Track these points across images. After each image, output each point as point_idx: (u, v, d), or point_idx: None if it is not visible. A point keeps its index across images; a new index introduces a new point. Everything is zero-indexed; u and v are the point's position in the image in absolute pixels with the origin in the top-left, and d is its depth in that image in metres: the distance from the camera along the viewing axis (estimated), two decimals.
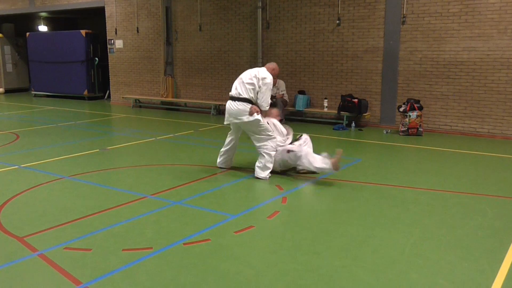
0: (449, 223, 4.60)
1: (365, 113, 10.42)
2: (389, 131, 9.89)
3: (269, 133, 6.13)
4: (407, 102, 9.50)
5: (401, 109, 9.50)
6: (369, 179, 6.17)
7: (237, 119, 6.12)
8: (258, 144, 6.16)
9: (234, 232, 4.32)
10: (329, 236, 4.25)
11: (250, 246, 4.03)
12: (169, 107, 14.19)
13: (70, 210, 4.92)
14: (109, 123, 11.78)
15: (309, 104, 11.29)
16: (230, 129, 6.51)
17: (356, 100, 10.34)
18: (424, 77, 9.87)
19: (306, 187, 5.83)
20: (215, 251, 3.93)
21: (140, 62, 14.84)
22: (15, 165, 6.86)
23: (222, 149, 6.61)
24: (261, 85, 6.01)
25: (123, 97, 15.27)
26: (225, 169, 6.61)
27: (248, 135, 6.32)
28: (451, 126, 9.71)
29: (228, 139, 6.54)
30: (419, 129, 9.37)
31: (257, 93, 6.03)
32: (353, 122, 10.34)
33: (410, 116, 9.34)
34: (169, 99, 13.98)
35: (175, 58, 13.98)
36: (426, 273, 3.54)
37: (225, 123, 6.38)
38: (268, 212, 4.87)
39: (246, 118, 6.02)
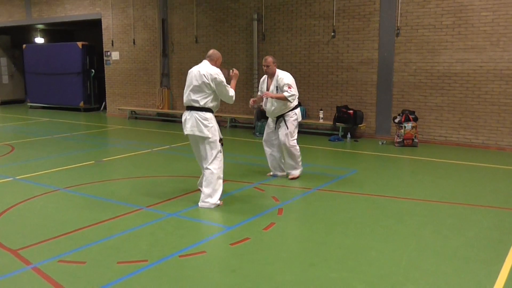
0: (445, 234, 4.60)
1: (361, 124, 10.46)
2: (384, 142, 9.92)
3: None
4: (402, 113, 9.55)
5: (396, 120, 9.54)
6: (365, 190, 6.17)
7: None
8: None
9: (230, 244, 4.31)
10: (325, 248, 4.24)
11: (246, 258, 4.02)
12: (165, 119, 14.20)
13: (65, 223, 4.89)
14: (105, 135, 11.76)
15: (304, 115, 11.32)
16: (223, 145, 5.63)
17: (351, 111, 10.38)
18: (418, 88, 9.93)
19: (302, 199, 5.83)
20: (211, 263, 3.91)
21: (136, 74, 14.87)
22: (10, 177, 6.82)
23: None
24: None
25: (119, 109, 15.27)
26: None
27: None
28: (446, 137, 9.75)
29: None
30: (414, 140, 9.40)
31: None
32: (349, 133, 10.37)
33: (405, 127, 9.38)
34: (165, 110, 13.99)
35: (171, 70, 14.02)
36: (423, 284, 3.53)
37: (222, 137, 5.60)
38: (264, 223, 4.86)
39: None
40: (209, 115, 5.39)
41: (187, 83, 5.51)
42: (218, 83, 5.34)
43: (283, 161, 6.77)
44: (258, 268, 3.82)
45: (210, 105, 5.41)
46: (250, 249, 4.20)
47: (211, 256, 4.05)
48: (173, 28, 13.73)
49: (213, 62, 5.53)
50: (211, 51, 5.67)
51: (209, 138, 5.33)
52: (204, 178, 5.46)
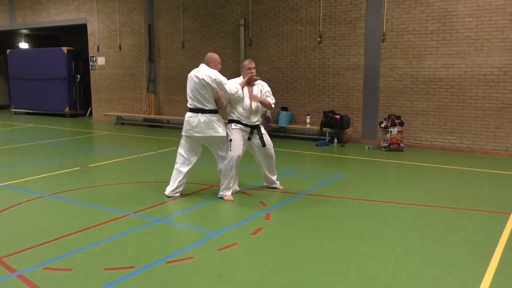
0: (431, 237, 4.64)
1: (347, 129, 10.52)
2: (371, 146, 9.99)
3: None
4: (388, 118, 9.63)
5: (383, 125, 9.62)
6: (352, 195, 6.21)
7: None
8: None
9: (217, 249, 4.29)
10: (313, 253, 4.25)
11: (234, 263, 4.01)
12: (152, 124, 14.13)
13: (50, 229, 4.83)
14: (91, 141, 11.67)
15: (291, 120, 11.36)
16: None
17: (338, 116, 10.45)
18: (404, 93, 10.03)
19: (289, 204, 5.83)
20: (198, 269, 3.89)
21: (122, 79, 14.80)
22: None
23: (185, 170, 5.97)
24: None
25: (105, 114, 15.16)
26: (207, 187, 6.59)
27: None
28: (431, 141, 9.85)
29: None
30: (400, 144, 9.48)
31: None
32: (336, 138, 10.42)
33: (391, 132, 9.45)
34: (152, 116, 13.93)
35: (157, 75, 13.97)
36: None
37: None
38: (251, 229, 4.85)
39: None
40: (216, 116, 5.76)
41: (188, 87, 5.78)
42: (218, 83, 5.64)
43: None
44: (246, 273, 3.81)
45: (215, 106, 5.75)
46: (238, 255, 4.19)
47: (199, 261, 4.03)
48: (160, 33, 13.70)
49: (210, 66, 5.78)
50: (208, 55, 5.90)
51: (223, 135, 5.79)
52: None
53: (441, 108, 9.66)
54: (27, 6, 16.70)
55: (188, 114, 5.79)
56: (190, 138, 5.84)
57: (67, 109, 16.33)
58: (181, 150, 5.95)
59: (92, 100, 15.76)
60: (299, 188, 6.51)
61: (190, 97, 5.77)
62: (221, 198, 5.92)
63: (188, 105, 5.82)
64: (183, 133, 5.88)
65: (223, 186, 5.93)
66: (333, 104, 10.92)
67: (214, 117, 5.74)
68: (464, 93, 9.38)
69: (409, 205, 5.74)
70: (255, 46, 11.88)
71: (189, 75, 5.84)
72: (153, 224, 5.00)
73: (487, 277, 3.74)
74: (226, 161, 5.84)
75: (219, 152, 5.93)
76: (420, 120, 9.91)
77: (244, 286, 3.57)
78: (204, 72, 5.66)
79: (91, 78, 15.62)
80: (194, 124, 5.71)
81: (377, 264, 3.99)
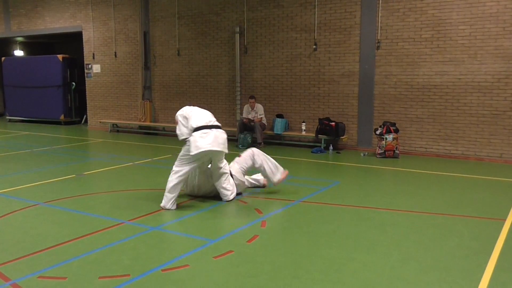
0: (427, 244, 4.65)
1: (343, 136, 10.55)
2: (366, 153, 10.01)
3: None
4: (383, 125, 9.66)
5: (378, 132, 9.65)
6: (348, 202, 6.21)
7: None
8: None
9: (213, 257, 4.28)
10: (308, 260, 4.24)
11: (230, 271, 3.99)
12: (147, 132, 14.11)
13: (45, 238, 4.80)
14: (86, 148, 11.63)
15: (287, 127, 11.38)
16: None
17: (333, 123, 10.47)
18: (399, 100, 10.08)
19: (285, 211, 5.83)
20: (194, 277, 3.88)
21: (117, 87, 14.79)
22: None
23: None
24: None
25: (100, 122, 15.14)
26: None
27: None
28: (426, 148, 9.89)
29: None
30: (396, 151, 9.51)
31: None
32: (331, 145, 10.45)
33: (386, 138, 9.48)
34: (147, 123, 13.92)
35: (153, 83, 13.98)
36: None
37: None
38: (247, 236, 4.84)
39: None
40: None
41: (201, 110, 6.15)
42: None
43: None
44: (241, 281, 3.80)
45: None
46: (233, 262, 4.18)
47: (195, 269, 4.01)
48: (155, 41, 13.72)
49: None
50: None
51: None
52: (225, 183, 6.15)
53: (435, 115, 9.70)
54: (22, 14, 16.70)
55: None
56: None
57: (62, 117, 16.29)
58: None
59: (87, 107, 15.73)
60: (294, 195, 6.50)
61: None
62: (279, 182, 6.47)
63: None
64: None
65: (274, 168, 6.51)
66: (328, 111, 10.96)
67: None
68: (458, 100, 9.43)
69: (404, 212, 5.75)
70: (250, 53, 11.92)
71: None
72: (148, 232, 4.98)
73: (483, 283, 3.74)
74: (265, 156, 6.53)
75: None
76: (415, 127, 9.95)
77: None
78: None
79: (86, 85, 15.60)
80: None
81: (373, 271, 3.99)
